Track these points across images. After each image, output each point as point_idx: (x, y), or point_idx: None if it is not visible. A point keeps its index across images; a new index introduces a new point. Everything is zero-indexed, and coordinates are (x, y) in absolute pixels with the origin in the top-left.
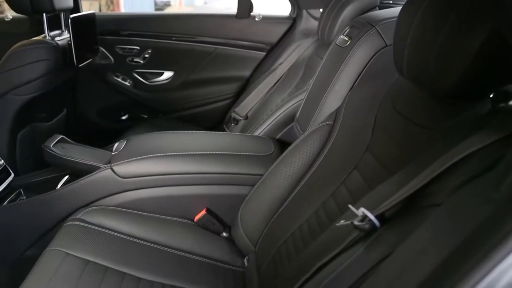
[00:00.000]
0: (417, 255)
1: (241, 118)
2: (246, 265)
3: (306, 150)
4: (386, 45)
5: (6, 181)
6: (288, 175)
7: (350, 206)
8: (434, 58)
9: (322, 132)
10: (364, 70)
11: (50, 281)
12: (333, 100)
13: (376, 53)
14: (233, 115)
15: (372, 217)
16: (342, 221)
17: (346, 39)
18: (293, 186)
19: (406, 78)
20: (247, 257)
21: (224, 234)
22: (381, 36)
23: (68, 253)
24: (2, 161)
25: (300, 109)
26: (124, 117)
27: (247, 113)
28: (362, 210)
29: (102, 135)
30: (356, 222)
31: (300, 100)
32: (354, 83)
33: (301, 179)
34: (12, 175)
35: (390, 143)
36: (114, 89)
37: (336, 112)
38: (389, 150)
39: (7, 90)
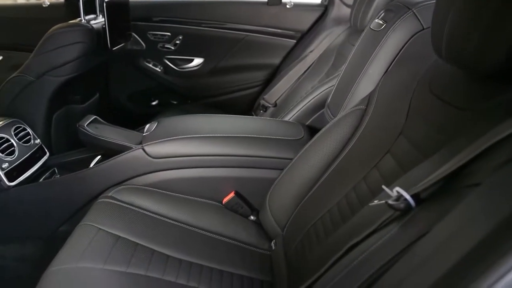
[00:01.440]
0: (453, 235)
1: (270, 105)
2: (273, 248)
3: (338, 134)
4: (423, 28)
5: (42, 159)
6: (318, 159)
7: (383, 187)
8: (477, 37)
9: (354, 116)
10: (399, 54)
11: (83, 254)
12: (366, 84)
13: (412, 36)
14: (262, 102)
15: (407, 196)
16: (375, 201)
17: (381, 22)
18: (323, 170)
19: (445, 59)
20: (274, 240)
21: (252, 217)
22: (418, 18)
23: (100, 228)
24: (38, 140)
25: (331, 94)
26: (154, 103)
27: (276, 100)
28: (397, 190)
29: (132, 120)
30: (390, 202)
31: (331, 86)
32: (389, 67)
33: (331, 163)
34: (48, 154)
35: (425, 126)
36: (145, 75)
37: (369, 96)
38: (425, 133)
39: (45, 71)
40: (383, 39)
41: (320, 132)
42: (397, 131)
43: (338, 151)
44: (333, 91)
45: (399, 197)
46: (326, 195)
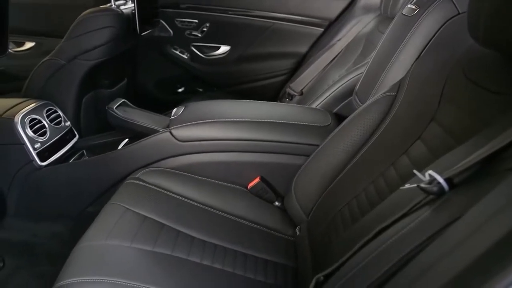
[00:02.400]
0: (488, 219)
1: (296, 94)
2: (298, 234)
3: (367, 120)
4: (459, 13)
5: (72, 141)
6: (346, 145)
7: (415, 171)
8: None
9: (384, 102)
10: (432, 39)
11: (111, 232)
12: (397, 71)
13: (447, 21)
14: (288, 90)
15: (441, 179)
16: (407, 185)
17: (414, 7)
18: (351, 157)
19: (482, 43)
20: (299, 226)
21: (277, 203)
22: (453, 3)
23: (127, 208)
24: (69, 122)
25: (359, 81)
26: (180, 90)
27: (302, 89)
28: (429, 173)
29: (158, 106)
30: (423, 185)
31: (359, 74)
32: (421, 53)
33: (359, 149)
34: (77, 136)
35: (459, 111)
36: (171, 62)
37: (400, 82)
38: (459, 119)
39: (76, 55)
40: (415, 25)
41: (349, 118)
42: (429, 117)
43: (366, 137)
44: (361, 78)
45: (432, 180)
46: (353, 181)
